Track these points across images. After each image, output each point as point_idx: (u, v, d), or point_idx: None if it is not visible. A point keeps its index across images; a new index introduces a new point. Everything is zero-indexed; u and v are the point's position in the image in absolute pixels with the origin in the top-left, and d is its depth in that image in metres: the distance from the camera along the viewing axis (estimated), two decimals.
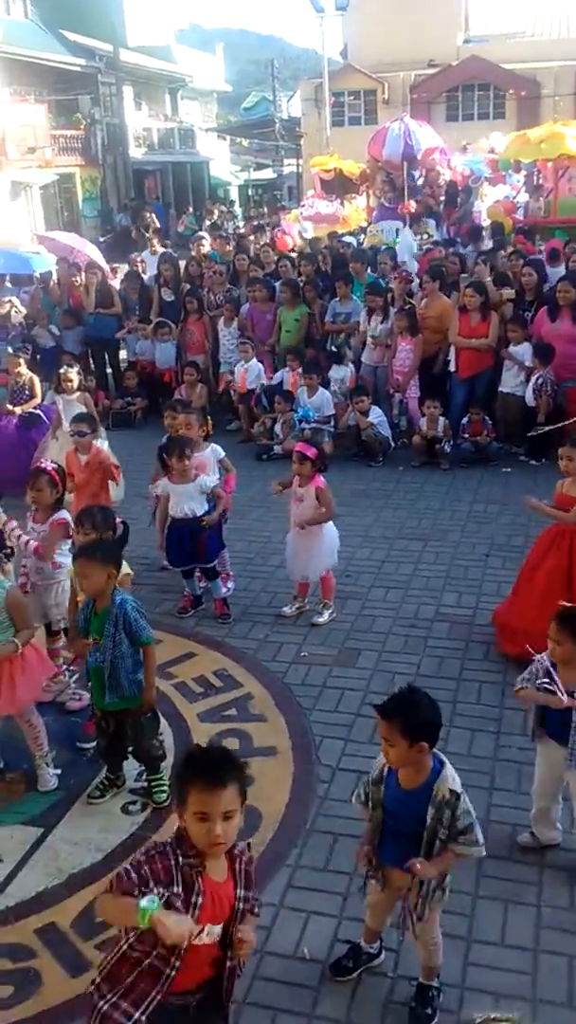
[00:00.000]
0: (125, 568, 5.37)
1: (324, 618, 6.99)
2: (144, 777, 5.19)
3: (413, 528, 8.75)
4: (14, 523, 6.18)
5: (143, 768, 5.19)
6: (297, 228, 19.04)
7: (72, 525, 5.94)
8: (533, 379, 10.09)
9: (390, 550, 8.27)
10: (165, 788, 5.09)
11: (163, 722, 5.37)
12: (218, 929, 2.89)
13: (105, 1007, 2.88)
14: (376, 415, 10.61)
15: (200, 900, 2.80)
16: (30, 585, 5.97)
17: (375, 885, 3.74)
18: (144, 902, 2.68)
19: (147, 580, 7.58)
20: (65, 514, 6.10)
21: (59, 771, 5.31)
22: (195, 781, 2.78)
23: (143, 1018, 2.85)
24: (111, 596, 4.81)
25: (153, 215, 27.71)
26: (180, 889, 2.79)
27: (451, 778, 3.42)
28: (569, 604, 4.56)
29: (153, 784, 5.14)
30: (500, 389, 10.64)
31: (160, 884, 2.77)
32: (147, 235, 21.44)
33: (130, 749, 5.12)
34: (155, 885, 2.76)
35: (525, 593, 6.27)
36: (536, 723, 4.42)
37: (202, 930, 2.83)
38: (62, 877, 4.57)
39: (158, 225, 25.51)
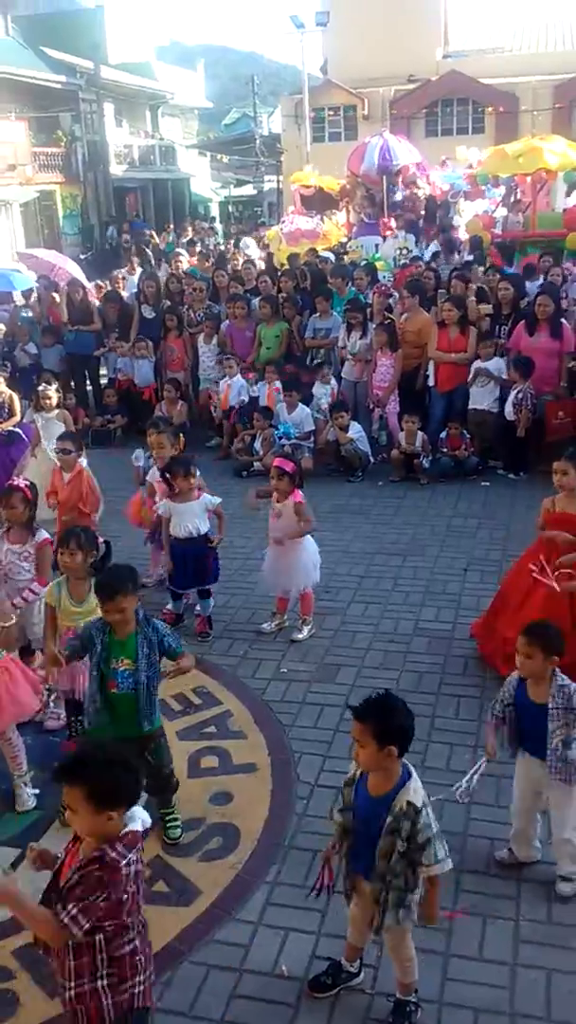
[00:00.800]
0: None
1: (303, 634, 7.00)
2: (158, 811, 4.85)
3: (392, 543, 8.78)
4: None
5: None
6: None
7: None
8: (513, 393, 10.13)
9: (369, 565, 8.30)
10: (179, 823, 4.92)
11: None
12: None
13: None
14: (356, 430, 10.65)
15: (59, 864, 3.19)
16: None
17: (354, 898, 3.75)
18: None
19: None
20: (46, 533, 6.13)
21: (37, 791, 5.29)
22: None
23: None
24: (136, 618, 4.62)
25: (152, 232, 27.80)
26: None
27: (413, 790, 3.44)
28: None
29: (168, 819, 4.91)
30: (473, 406, 10.65)
31: None
32: (146, 250, 21.40)
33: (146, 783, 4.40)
34: None
35: (523, 615, 5.93)
36: (512, 737, 4.45)
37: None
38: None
39: (156, 241, 25.57)
